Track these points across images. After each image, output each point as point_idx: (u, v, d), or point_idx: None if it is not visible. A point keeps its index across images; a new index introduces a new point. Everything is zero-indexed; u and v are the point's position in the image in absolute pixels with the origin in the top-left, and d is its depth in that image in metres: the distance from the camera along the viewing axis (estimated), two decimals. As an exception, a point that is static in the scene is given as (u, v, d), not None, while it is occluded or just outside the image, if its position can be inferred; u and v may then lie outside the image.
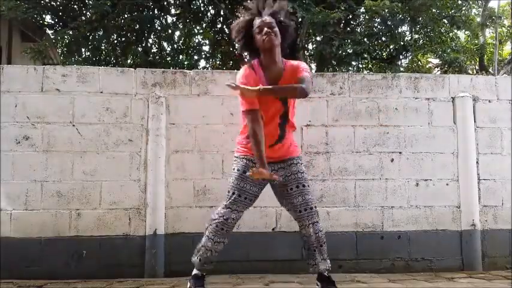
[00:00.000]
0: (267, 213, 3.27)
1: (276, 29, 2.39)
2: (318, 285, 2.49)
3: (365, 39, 7.69)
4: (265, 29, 2.35)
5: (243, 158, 2.46)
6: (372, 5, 6.92)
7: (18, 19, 7.18)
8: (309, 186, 2.48)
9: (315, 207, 2.46)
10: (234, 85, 2.24)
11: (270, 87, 2.32)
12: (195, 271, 2.49)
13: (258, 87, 2.25)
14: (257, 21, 2.39)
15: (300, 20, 6.90)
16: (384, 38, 8.04)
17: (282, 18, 2.45)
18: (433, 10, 7.52)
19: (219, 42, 9.70)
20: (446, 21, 7.93)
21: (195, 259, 2.49)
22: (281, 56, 2.47)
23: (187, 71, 3.44)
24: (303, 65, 2.47)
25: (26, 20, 7.39)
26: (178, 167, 3.28)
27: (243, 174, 2.39)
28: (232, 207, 2.40)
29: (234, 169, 2.47)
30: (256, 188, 2.43)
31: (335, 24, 7.07)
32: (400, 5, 7.07)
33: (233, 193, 2.41)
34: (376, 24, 8.19)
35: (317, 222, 2.45)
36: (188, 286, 2.48)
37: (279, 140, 2.44)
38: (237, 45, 2.62)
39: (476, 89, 3.55)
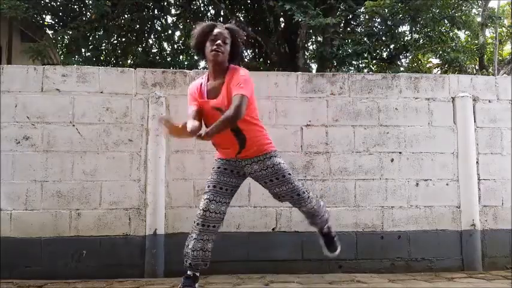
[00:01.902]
0: (267, 213, 3.27)
1: (228, 45, 2.39)
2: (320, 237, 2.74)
3: (365, 39, 7.70)
4: (218, 41, 2.35)
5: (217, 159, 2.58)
6: (372, 5, 6.92)
7: (18, 19, 7.18)
8: (290, 175, 2.47)
9: (303, 193, 2.49)
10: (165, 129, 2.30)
11: (206, 132, 2.31)
12: (188, 271, 2.48)
13: (198, 134, 2.26)
14: (215, 30, 2.38)
15: (300, 21, 6.90)
16: (384, 38, 8.04)
17: (237, 37, 2.44)
18: (434, 10, 7.52)
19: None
20: (446, 21, 7.93)
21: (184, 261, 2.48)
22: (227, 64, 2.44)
23: (187, 71, 3.44)
24: (237, 74, 2.37)
25: (26, 20, 7.39)
26: (178, 167, 3.28)
27: (218, 169, 2.49)
28: (210, 197, 2.41)
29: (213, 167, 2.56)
30: (229, 178, 2.48)
31: (335, 24, 7.08)
32: (400, 4, 7.07)
33: (208, 186, 2.47)
34: (376, 24, 8.19)
35: (305, 205, 2.53)
36: (178, 286, 2.47)
37: (241, 148, 2.43)
38: (192, 46, 2.61)
39: (476, 89, 3.55)
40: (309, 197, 2.53)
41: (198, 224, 2.41)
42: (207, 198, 2.42)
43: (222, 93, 2.36)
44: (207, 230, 2.41)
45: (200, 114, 2.43)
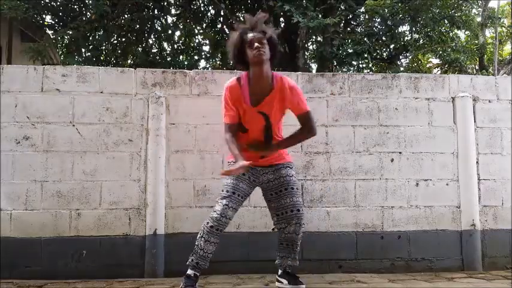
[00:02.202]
0: (266, 213, 3.25)
1: (266, 44, 2.43)
2: (280, 281, 2.62)
3: (365, 39, 7.70)
4: (256, 43, 2.39)
5: (230, 162, 2.58)
6: (372, 4, 6.92)
7: (18, 19, 7.18)
8: (298, 189, 2.57)
9: (303, 210, 2.54)
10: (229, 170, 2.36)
11: (273, 147, 2.51)
12: (188, 271, 2.50)
13: (247, 164, 2.31)
14: (249, 36, 2.43)
15: (299, 23, 6.90)
16: (384, 38, 8.04)
17: (272, 36, 2.49)
18: (433, 10, 7.52)
19: (219, 42, 9.71)
20: (446, 21, 7.93)
21: (189, 260, 2.51)
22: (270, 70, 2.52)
23: (187, 71, 3.44)
24: (296, 88, 2.52)
25: (26, 20, 7.40)
26: (178, 167, 3.28)
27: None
28: (229, 203, 2.44)
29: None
30: (246, 186, 2.52)
31: (335, 24, 7.08)
32: (400, 4, 7.07)
33: (227, 190, 2.47)
34: (376, 24, 8.19)
35: (303, 224, 2.56)
36: (180, 286, 2.48)
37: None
38: (231, 59, 2.65)
39: (476, 89, 3.55)
40: (303, 220, 2.56)
41: (212, 226, 2.42)
42: (226, 204, 2.42)
43: (272, 101, 2.48)
44: (218, 234, 2.45)
45: (239, 119, 2.52)
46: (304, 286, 2.54)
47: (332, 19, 6.76)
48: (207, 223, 2.44)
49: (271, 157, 2.55)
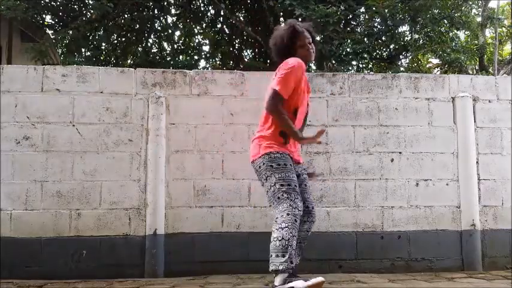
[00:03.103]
0: (267, 213, 3.27)
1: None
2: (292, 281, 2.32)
3: (365, 39, 7.70)
4: (312, 44, 2.53)
5: (283, 153, 2.37)
6: (372, 4, 6.93)
7: (18, 19, 7.18)
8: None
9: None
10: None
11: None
12: (281, 276, 2.23)
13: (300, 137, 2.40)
14: (307, 35, 2.51)
15: (299, 19, 6.89)
16: (383, 38, 8.04)
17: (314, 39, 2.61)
18: (433, 10, 7.52)
19: (219, 42, 9.71)
20: (446, 22, 7.93)
21: (281, 261, 2.25)
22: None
23: (187, 71, 3.44)
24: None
25: (26, 20, 7.40)
26: (178, 167, 3.28)
27: (289, 167, 2.34)
28: (296, 196, 2.30)
29: (279, 164, 2.34)
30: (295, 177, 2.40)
31: (335, 23, 7.08)
32: (400, 5, 7.07)
33: (288, 184, 2.30)
34: (376, 24, 8.19)
35: (314, 222, 2.55)
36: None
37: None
38: (273, 47, 2.61)
39: (476, 89, 3.55)
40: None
41: (296, 221, 2.26)
42: (295, 198, 2.29)
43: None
44: (298, 226, 2.32)
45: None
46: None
47: (333, 9, 6.76)
48: (294, 220, 2.25)
49: (298, 152, 2.61)
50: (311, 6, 6.80)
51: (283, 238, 2.25)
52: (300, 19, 6.84)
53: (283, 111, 2.35)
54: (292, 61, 2.38)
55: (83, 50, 8.50)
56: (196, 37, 10.17)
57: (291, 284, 2.19)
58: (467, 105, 3.48)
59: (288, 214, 2.25)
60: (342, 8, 7.12)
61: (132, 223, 3.21)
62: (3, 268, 3.04)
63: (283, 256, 2.24)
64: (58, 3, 8.24)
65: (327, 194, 3.35)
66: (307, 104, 2.60)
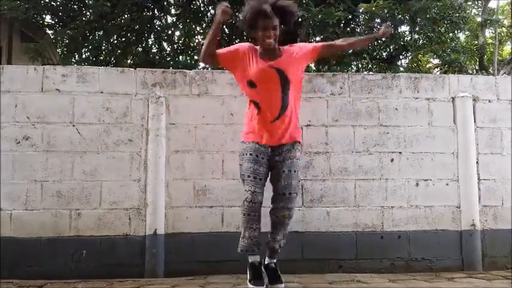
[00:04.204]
0: (266, 213, 3.26)
1: (277, 30, 2.51)
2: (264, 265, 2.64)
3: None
4: (270, 30, 2.48)
5: (248, 143, 2.56)
6: (370, 7, 6.92)
7: (18, 19, 7.17)
8: (296, 172, 2.54)
9: (296, 194, 2.53)
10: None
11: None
12: (249, 260, 2.57)
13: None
14: (264, 20, 2.47)
15: (300, 20, 6.89)
16: (383, 38, 8.03)
17: (286, 7, 2.55)
18: (433, 11, 7.52)
19: (219, 42, 9.69)
20: (446, 22, 7.93)
21: (240, 243, 2.57)
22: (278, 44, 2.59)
23: (187, 71, 3.44)
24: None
25: (26, 20, 7.39)
26: (178, 167, 3.28)
27: (249, 156, 2.50)
28: (249, 185, 2.45)
29: (243, 155, 2.55)
30: (263, 168, 2.50)
31: (334, 24, 7.08)
32: (399, 6, 7.06)
33: (242, 174, 2.52)
34: (375, 25, 8.19)
35: (292, 208, 2.54)
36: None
37: (281, 112, 2.52)
38: (239, 23, 2.78)
39: (476, 89, 3.55)
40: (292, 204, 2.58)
41: (246, 214, 2.49)
42: (253, 191, 2.45)
43: (281, 60, 2.57)
44: (255, 218, 2.51)
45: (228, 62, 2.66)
46: (282, 285, 2.55)
47: (339, 13, 6.75)
48: (243, 213, 2.50)
49: (281, 129, 2.53)
50: (312, 8, 6.79)
51: (241, 224, 2.56)
52: (300, 19, 6.85)
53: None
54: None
55: (83, 50, 8.49)
56: (196, 37, 10.15)
57: (250, 285, 2.53)
58: (467, 105, 3.48)
59: (243, 201, 2.48)
60: (341, 8, 7.11)
61: (132, 223, 3.21)
62: (3, 268, 3.03)
63: (242, 238, 2.56)
64: (58, 3, 8.23)
65: (327, 194, 3.35)
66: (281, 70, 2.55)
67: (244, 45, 2.65)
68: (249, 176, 2.47)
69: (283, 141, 2.54)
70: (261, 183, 2.48)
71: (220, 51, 2.64)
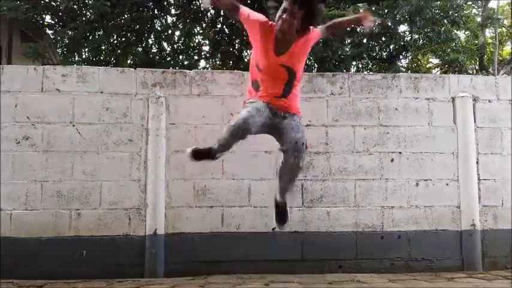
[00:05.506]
0: (267, 213, 3.27)
1: (297, 18, 2.41)
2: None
3: (364, 40, 7.70)
4: (288, 14, 2.40)
5: (252, 99, 2.55)
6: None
7: (18, 19, 7.17)
8: (302, 131, 2.50)
9: (306, 144, 2.47)
10: None
11: None
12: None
13: None
14: (293, 6, 2.39)
15: None
16: (383, 38, 8.04)
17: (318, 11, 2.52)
18: (433, 11, 7.52)
19: (219, 42, 9.69)
20: (446, 22, 7.94)
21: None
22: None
23: (187, 71, 3.44)
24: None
25: (26, 20, 7.39)
26: (178, 167, 3.28)
27: (247, 109, 2.45)
28: (231, 131, 2.41)
29: (245, 106, 2.52)
30: (260, 119, 2.44)
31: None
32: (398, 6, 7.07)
33: (240, 118, 2.42)
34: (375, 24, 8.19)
35: (302, 160, 2.46)
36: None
37: (282, 96, 2.54)
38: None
39: (476, 89, 3.55)
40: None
41: (231, 131, 2.41)
42: (245, 118, 2.38)
43: (294, 50, 2.54)
44: (238, 139, 2.44)
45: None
46: (286, 225, 2.67)
47: (335, 11, 6.76)
48: (232, 129, 2.41)
49: (286, 103, 2.53)
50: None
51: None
52: None
53: None
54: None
55: (83, 50, 8.49)
56: (196, 37, 10.15)
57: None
58: (467, 105, 3.48)
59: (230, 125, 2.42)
60: (341, 9, 7.12)
61: (132, 223, 3.21)
62: (3, 268, 3.03)
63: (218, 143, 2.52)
64: (58, 3, 8.24)
65: (327, 194, 3.35)
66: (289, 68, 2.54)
67: (263, 21, 2.56)
68: (241, 119, 2.40)
69: (285, 109, 2.55)
70: (255, 126, 2.41)
71: (243, 11, 2.61)
